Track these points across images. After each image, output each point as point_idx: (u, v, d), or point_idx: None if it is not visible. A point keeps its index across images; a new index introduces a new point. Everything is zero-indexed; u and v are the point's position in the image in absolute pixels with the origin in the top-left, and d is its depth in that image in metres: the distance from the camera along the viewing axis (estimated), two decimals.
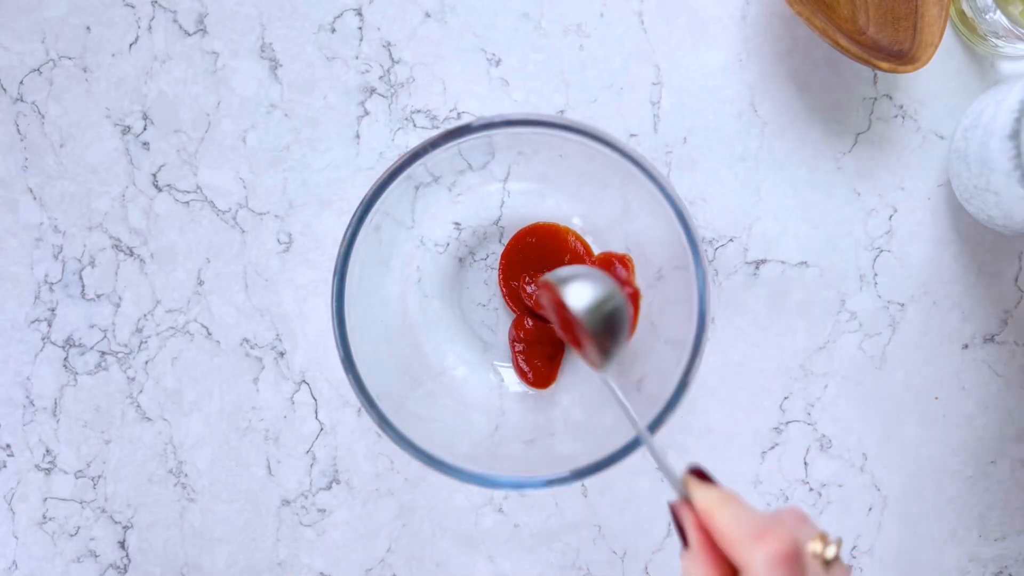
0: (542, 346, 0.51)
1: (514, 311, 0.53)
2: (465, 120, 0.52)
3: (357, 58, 0.54)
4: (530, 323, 0.51)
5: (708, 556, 0.33)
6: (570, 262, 0.52)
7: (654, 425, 0.42)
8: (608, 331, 0.40)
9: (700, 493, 0.34)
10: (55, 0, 0.54)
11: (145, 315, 0.55)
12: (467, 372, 0.52)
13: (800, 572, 0.30)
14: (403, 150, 0.54)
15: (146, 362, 0.55)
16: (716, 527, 0.32)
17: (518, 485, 0.42)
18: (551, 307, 0.45)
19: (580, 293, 0.40)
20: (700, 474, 0.36)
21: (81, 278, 0.55)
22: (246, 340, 0.55)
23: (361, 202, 0.43)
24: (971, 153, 0.49)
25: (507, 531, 0.55)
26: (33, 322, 0.55)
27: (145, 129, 0.55)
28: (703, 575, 0.32)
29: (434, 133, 0.43)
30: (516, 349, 0.52)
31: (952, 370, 0.55)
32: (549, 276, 0.42)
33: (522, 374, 0.52)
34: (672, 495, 0.35)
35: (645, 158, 0.43)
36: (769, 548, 0.30)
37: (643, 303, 0.51)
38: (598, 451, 0.42)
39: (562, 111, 0.54)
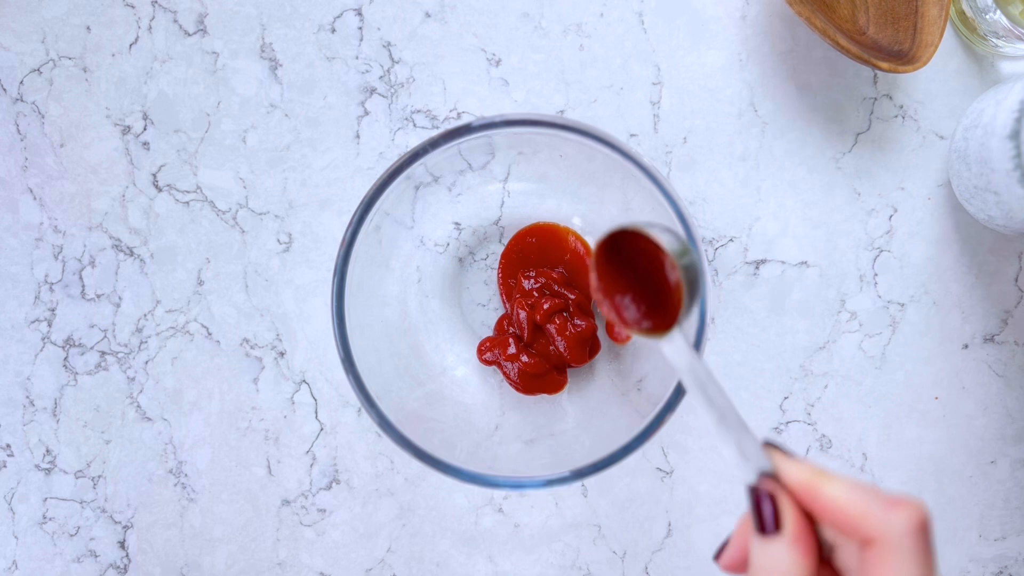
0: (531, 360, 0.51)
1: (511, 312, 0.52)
2: (465, 120, 0.52)
3: (357, 58, 0.54)
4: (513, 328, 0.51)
5: (808, 539, 0.29)
6: (570, 261, 0.52)
7: (654, 424, 0.42)
8: (691, 283, 0.35)
9: (795, 468, 0.30)
10: (55, 0, 0.54)
11: (145, 315, 0.55)
12: (467, 372, 0.52)
13: (933, 545, 0.28)
14: (403, 150, 0.54)
15: (146, 362, 0.55)
16: (826, 502, 0.29)
17: (518, 485, 0.42)
18: (630, 258, 0.37)
19: (672, 239, 0.35)
20: (776, 449, 0.31)
21: (81, 278, 0.55)
22: (246, 340, 0.55)
23: (361, 202, 0.43)
24: (971, 153, 0.49)
25: (507, 531, 0.55)
26: (33, 322, 0.55)
27: (145, 129, 0.55)
28: (799, 562, 0.29)
29: (434, 133, 0.43)
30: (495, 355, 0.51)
31: (952, 370, 0.55)
32: (631, 225, 0.36)
33: (505, 375, 0.52)
34: (745, 476, 0.31)
35: (645, 158, 0.43)
36: (911, 514, 0.27)
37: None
38: (598, 451, 0.42)
39: (562, 111, 0.54)
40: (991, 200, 0.48)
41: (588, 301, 0.51)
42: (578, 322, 0.50)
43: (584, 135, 0.42)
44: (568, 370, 0.52)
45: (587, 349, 0.51)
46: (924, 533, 0.27)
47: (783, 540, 0.29)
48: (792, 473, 0.30)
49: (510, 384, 0.51)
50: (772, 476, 0.30)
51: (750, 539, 0.30)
